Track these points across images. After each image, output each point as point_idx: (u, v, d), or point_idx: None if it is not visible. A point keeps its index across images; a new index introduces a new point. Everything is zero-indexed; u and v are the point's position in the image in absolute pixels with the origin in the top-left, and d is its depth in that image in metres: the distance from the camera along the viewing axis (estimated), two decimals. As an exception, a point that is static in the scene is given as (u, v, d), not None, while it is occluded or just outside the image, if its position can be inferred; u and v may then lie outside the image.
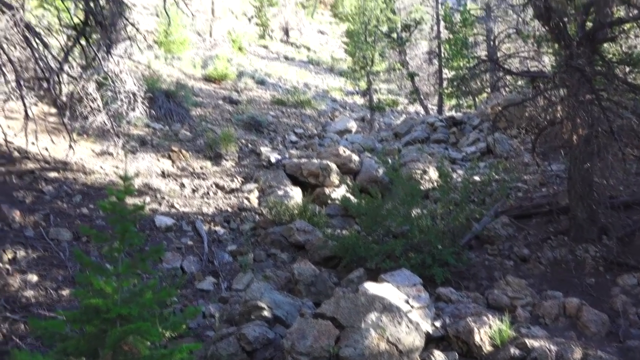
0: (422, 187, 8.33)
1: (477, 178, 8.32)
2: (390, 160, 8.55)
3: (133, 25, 7.08)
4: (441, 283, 6.14)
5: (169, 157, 9.93)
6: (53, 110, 8.59)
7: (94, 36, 6.13)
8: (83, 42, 6.28)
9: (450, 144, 13.21)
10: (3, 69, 5.35)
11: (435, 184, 9.13)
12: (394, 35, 20.41)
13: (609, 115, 6.68)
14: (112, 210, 3.17)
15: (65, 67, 5.74)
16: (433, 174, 9.55)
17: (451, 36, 19.18)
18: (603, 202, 7.09)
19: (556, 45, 8.14)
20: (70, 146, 7.38)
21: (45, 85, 5.72)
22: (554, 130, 8.05)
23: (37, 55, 5.37)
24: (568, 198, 7.49)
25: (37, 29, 5.95)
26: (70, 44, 6.00)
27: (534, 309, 5.59)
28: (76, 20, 6.42)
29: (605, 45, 7.74)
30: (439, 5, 21.06)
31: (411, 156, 10.95)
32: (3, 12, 5.16)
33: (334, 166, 10.00)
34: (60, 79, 5.76)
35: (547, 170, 9.94)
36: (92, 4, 5.57)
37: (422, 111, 20.73)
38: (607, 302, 5.84)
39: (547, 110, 8.12)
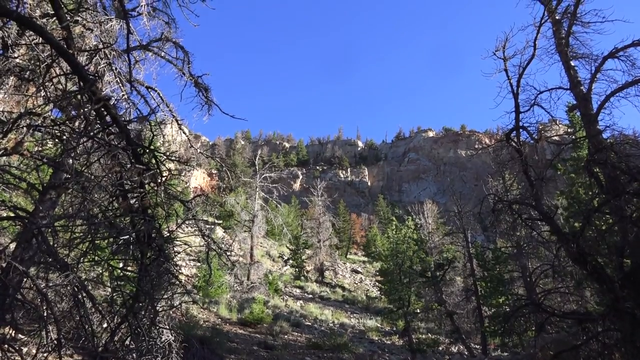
0: None
1: None
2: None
3: (177, 277, 7.37)
4: None
5: (198, 414, 9.26)
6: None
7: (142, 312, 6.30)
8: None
9: (503, 392, 12.08)
10: (48, 325, 5.45)
11: None
12: (428, 274, 20.63)
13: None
14: None
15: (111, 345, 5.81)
16: None
17: (485, 273, 19.24)
18: None
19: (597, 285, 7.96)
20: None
21: (84, 340, 5.73)
22: (617, 376, 7.34)
23: (82, 312, 5.50)
24: None
25: (85, 282, 6.23)
26: (117, 321, 6.13)
27: None
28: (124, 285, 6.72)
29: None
30: (469, 244, 21.65)
31: (461, 408, 9.94)
32: (59, 271, 5.49)
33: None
34: (101, 342, 5.80)
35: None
36: (144, 281, 5.91)
37: (465, 351, 19.60)
38: None
39: (604, 354, 7.54)
